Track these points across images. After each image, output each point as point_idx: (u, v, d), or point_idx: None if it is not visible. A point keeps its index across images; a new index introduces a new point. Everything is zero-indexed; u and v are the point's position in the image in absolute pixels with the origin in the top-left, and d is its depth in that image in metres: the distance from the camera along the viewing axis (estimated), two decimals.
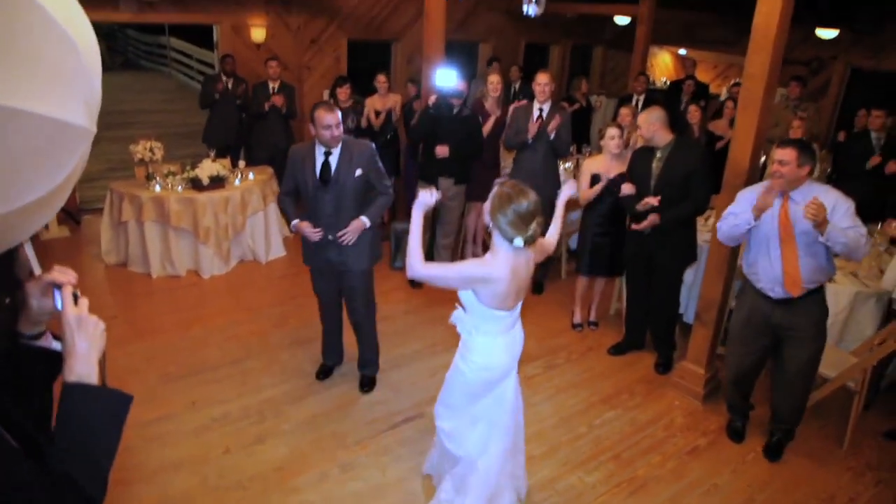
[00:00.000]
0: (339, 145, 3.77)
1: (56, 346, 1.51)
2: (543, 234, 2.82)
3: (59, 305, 1.40)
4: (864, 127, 6.69)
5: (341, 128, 3.75)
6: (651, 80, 11.74)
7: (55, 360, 1.42)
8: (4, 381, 1.50)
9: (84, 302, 1.39)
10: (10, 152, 1.39)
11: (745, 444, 3.94)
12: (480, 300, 2.73)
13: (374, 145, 3.94)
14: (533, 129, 5.24)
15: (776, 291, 3.56)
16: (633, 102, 7.93)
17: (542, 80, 5.32)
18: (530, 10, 2.40)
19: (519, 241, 2.60)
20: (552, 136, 5.28)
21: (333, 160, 3.78)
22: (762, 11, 3.60)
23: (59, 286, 1.41)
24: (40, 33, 1.33)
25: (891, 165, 6.03)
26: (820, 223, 3.19)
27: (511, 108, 5.86)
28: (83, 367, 1.33)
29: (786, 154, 3.37)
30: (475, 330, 2.88)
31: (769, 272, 3.56)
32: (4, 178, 1.44)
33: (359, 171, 3.79)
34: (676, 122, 7.43)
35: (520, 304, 2.91)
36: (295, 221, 3.93)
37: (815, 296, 3.54)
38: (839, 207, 3.32)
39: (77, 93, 1.47)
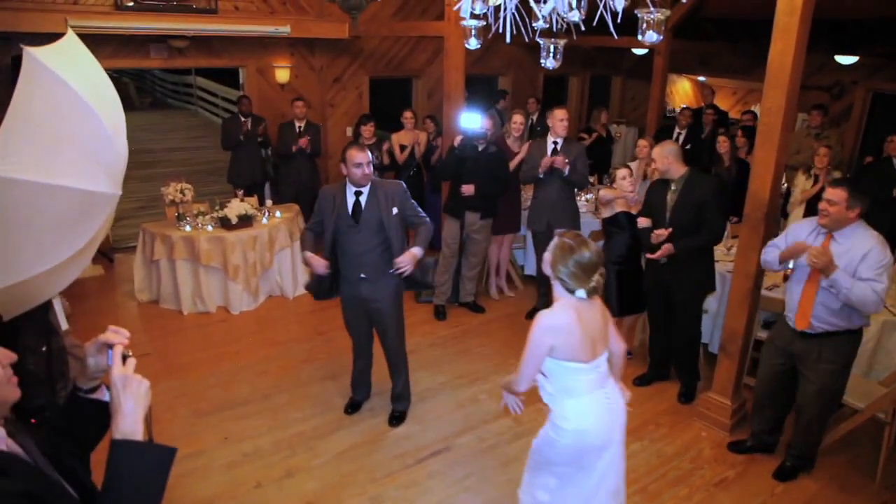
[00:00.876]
0: (369, 185, 3.89)
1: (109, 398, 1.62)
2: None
3: (111, 363, 1.51)
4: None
5: (371, 167, 3.88)
6: (671, 108, 11.83)
7: (107, 411, 1.52)
8: (61, 431, 1.61)
9: (132, 362, 1.49)
10: (43, 222, 1.51)
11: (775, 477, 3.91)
12: (554, 354, 2.55)
13: (403, 184, 4.06)
14: (544, 164, 5.35)
15: (791, 319, 3.66)
16: (675, 136, 7.96)
17: (560, 116, 5.44)
18: (548, 63, 2.49)
19: (581, 293, 2.51)
20: (566, 171, 5.37)
21: (363, 199, 3.90)
22: (777, 48, 3.66)
23: (112, 346, 1.52)
24: (69, 112, 1.45)
25: None
26: (822, 269, 3.31)
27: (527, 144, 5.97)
28: (128, 424, 1.42)
29: (836, 194, 3.36)
30: (561, 393, 2.65)
31: (791, 300, 3.67)
32: (40, 243, 1.56)
33: (395, 210, 3.90)
34: (701, 152, 7.49)
35: (602, 360, 2.67)
36: (306, 253, 4.00)
37: (835, 339, 3.54)
38: (870, 256, 3.31)
39: (101, 163, 1.59)
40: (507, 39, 2.27)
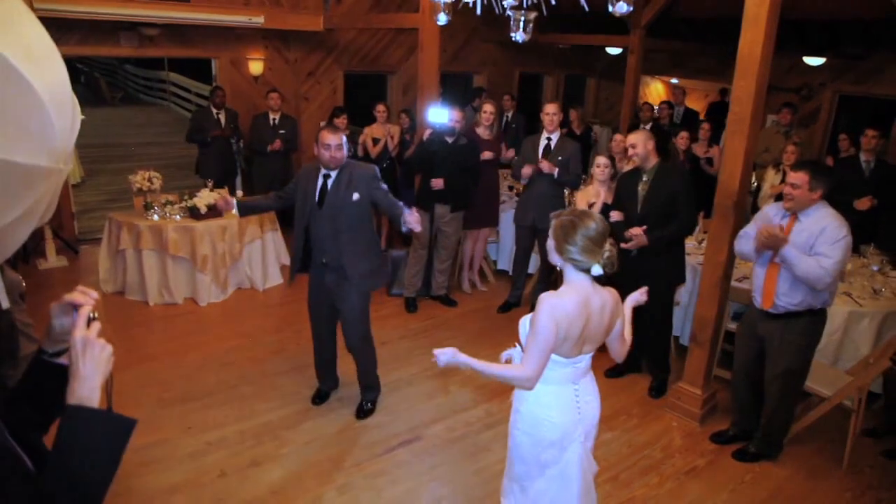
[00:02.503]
0: (338, 169, 3.82)
1: None
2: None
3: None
4: (848, 151, 6.76)
5: (343, 151, 3.79)
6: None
7: None
8: (26, 397, 1.52)
9: (95, 325, 1.38)
10: None
11: (745, 464, 3.91)
12: None
13: (376, 168, 3.96)
14: (525, 174, 5.46)
15: (757, 300, 3.72)
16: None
17: (550, 111, 5.43)
18: (518, 36, 2.46)
19: (598, 269, 2.34)
20: (555, 174, 5.38)
21: (330, 182, 3.83)
22: (747, 38, 3.69)
23: (77, 306, 1.42)
24: None
25: (863, 203, 5.82)
26: (771, 246, 3.44)
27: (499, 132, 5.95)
28: (85, 390, 1.32)
29: (798, 177, 3.42)
30: None
31: (756, 280, 3.73)
32: None
33: (356, 196, 3.79)
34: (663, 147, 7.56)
35: (586, 359, 2.55)
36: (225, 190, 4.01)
37: (799, 319, 3.60)
38: (826, 233, 3.38)
39: (32, 132, 1.49)
40: (478, 11, 2.24)
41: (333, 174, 3.82)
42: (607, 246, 2.35)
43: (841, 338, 4.43)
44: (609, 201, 4.82)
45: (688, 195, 4.32)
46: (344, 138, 3.81)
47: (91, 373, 1.33)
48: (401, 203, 3.86)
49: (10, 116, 1.43)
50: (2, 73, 1.35)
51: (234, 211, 4.01)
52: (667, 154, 6.79)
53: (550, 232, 2.45)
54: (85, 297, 1.43)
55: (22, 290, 2.91)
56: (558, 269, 2.52)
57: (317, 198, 3.85)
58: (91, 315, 1.40)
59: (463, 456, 3.88)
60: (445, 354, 2.42)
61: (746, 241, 3.72)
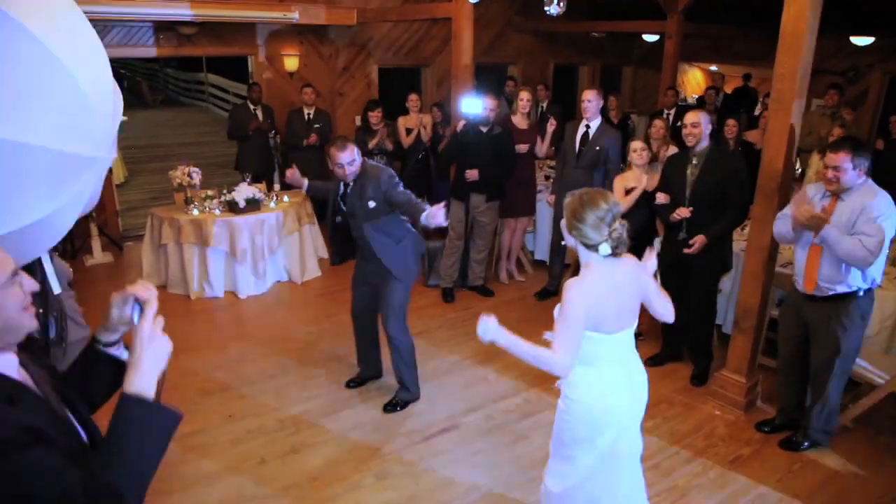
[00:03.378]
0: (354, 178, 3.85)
1: (126, 355, 1.56)
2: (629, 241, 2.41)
3: (135, 319, 1.48)
4: None
5: (356, 164, 3.78)
6: (683, 97, 11.70)
7: (121, 369, 1.47)
8: (75, 382, 1.56)
9: (160, 321, 1.44)
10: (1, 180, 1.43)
11: (792, 454, 3.80)
12: None
13: (390, 169, 3.93)
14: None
15: (799, 284, 3.60)
16: (664, 116, 7.86)
17: (587, 97, 5.31)
18: (552, 9, 2.41)
19: (606, 248, 2.33)
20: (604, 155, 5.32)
21: (349, 189, 3.89)
22: (791, 11, 3.56)
23: (139, 301, 1.48)
24: (30, 63, 1.37)
25: None
26: (811, 227, 3.30)
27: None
28: (143, 382, 1.37)
29: (839, 159, 3.28)
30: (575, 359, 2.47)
31: (798, 263, 3.61)
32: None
33: (372, 204, 3.80)
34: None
35: (629, 333, 2.50)
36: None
37: (844, 301, 3.45)
38: (867, 210, 3.24)
39: (74, 121, 1.50)
40: None
41: (351, 182, 3.88)
42: (616, 225, 2.35)
43: (894, 325, 4.26)
44: (650, 189, 4.70)
45: (742, 182, 4.19)
46: (356, 150, 3.78)
47: (151, 367, 1.39)
48: (418, 200, 3.76)
49: (53, 106, 1.45)
50: (44, 64, 1.38)
51: (304, 189, 4.20)
52: (717, 140, 6.65)
53: (563, 210, 2.46)
54: (147, 293, 1.49)
55: (70, 278, 2.99)
56: (570, 248, 2.51)
57: (341, 204, 3.93)
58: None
59: (502, 444, 3.85)
60: (489, 327, 2.43)
61: (784, 221, 3.58)
